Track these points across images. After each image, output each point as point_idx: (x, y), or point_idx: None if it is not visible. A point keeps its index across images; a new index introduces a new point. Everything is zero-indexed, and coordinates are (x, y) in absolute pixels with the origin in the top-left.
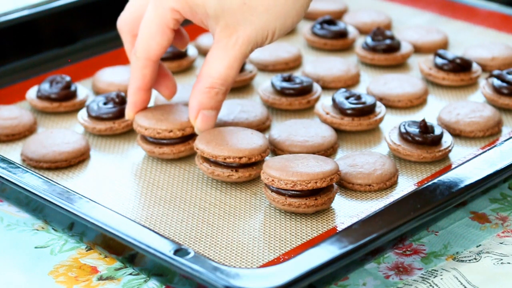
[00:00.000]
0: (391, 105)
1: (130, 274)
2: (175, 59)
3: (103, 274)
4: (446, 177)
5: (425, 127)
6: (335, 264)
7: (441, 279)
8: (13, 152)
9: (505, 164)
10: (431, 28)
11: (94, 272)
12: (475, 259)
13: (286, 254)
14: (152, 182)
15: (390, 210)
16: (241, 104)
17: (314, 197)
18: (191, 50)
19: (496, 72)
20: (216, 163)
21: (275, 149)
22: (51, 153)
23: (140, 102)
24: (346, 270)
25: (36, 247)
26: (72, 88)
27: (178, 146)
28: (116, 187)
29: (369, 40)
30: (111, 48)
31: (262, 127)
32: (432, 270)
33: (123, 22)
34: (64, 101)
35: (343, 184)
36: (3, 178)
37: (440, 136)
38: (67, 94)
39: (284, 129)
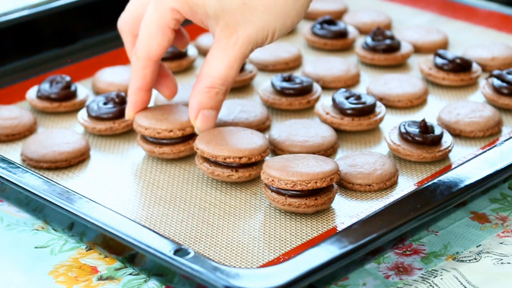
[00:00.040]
0: (391, 105)
1: (130, 274)
2: (175, 59)
3: (103, 274)
4: (446, 177)
5: (425, 127)
6: (335, 264)
7: (441, 279)
8: (13, 152)
9: (505, 164)
10: (431, 28)
11: (94, 272)
12: (475, 259)
13: (286, 254)
14: (152, 182)
15: (390, 210)
16: (241, 104)
17: (314, 197)
18: (191, 50)
19: (496, 72)
20: (216, 163)
21: (275, 149)
22: (51, 153)
23: (141, 102)
24: (346, 270)
25: (36, 247)
26: (72, 88)
27: (178, 146)
28: (116, 187)
29: (369, 40)
30: (111, 48)
31: (262, 127)
32: (432, 270)
33: (124, 22)
34: (64, 101)
35: (343, 184)
36: (3, 178)
37: (440, 136)
38: (67, 94)
39: (284, 129)
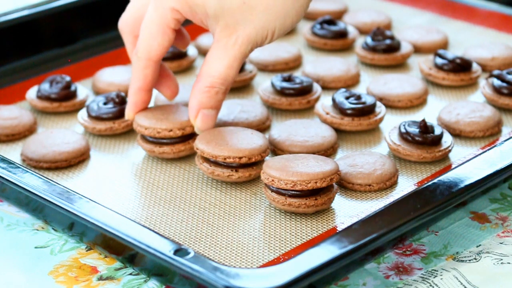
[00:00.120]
0: (391, 105)
1: (130, 274)
2: (175, 59)
3: (103, 274)
4: (446, 177)
5: (425, 127)
6: (335, 264)
7: (441, 279)
8: (13, 152)
9: (505, 164)
10: (431, 28)
11: (94, 272)
12: (475, 259)
13: (286, 254)
14: (152, 182)
15: (390, 210)
16: (241, 104)
17: (314, 197)
18: (191, 50)
19: (496, 72)
20: (216, 163)
21: (275, 149)
22: (51, 153)
23: (141, 103)
24: (346, 270)
25: (36, 247)
26: (72, 88)
27: (178, 146)
28: (116, 187)
29: (369, 40)
30: (111, 48)
31: (262, 127)
32: (432, 270)
33: (124, 23)
34: (64, 101)
35: (343, 184)
36: (3, 178)
37: (440, 136)
38: (67, 94)
39: (284, 129)
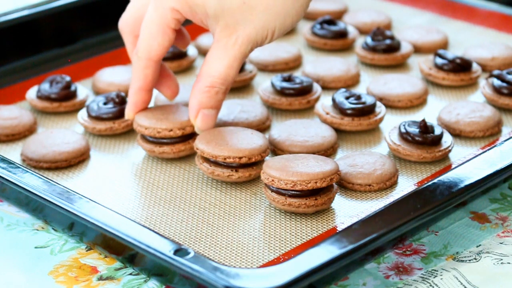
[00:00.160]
0: (391, 105)
1: (130, 274)
2: (175, 59)
3: (103, 274)
4: (446, 177)
5: (425, 127)
6: (335, 264)
7: (441, 279)
8: (13, 152)
9: (505, 164)
10: (431, 28)
11: (94, 272)
12: (475, 259)
13: (286, 254)
14: (152, 182)
15: (390, 210)
16: (241, 104)
17: (314, 197)
18: (191, 50)
19: (496, 72)
20: (216, 163)
21: (275, 149)
22: (51, 153)
23: (141, 103)
24: (346, 270)
25: (36, 247)
26: (72, 88)
27: (178, 146)
28: (116, 187)
29: (369, 40)
30: (111, 48)
31: (262, 127)
32: (432, 270)
33: (125, 23)
34: (64, 101)
35: (343, 184)
36: (3, 178)
37: (440, 136)
38: (67, 94)
39: (284, 129)
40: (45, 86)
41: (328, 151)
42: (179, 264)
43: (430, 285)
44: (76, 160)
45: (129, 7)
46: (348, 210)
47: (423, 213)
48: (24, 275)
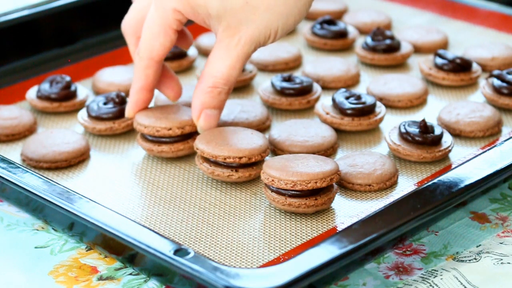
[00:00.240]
0: (391, 105)
1: (130, 274)
2: (175, 59)
3: (103, 274)
4: (446, 177)
5: (425, 127)
6: (335, 264)
7: (441, 279)
8: (13, 152)
9: (505, 164)
10: (431, 28)
11: (94, 272)
12: (475, 259)
13: (286, 254)
14: (152, 182)
15: (390, 210)
16: (241, 104)
17: (314, 197)
18: (191, 50)
19: (496, 72)
20: (216, 163)
21: (275, 149)
22: (51, 153)
23: (142, 102)
24: (346, 270)
25: (36, 247)
26: (72, 88)
27: (177, 145)
28: (116, 187)
29: (369, 40)
30: (111, 48)
31: (262, 127)
32: (432, 270)
33: (127, 24)
34: (64, 101)
35: (343, 184)
36: (3, 178)
37: (440, 136)
38: (67, 94)
39: (284, 129)
40: (45, 86)
41: (328, 151)
42: (179, 264)
43: (430, 285)
44: (76, 160)
45: (131, 9)
46: (348, 210)
47: (423, 213)
48: (24, 275)
